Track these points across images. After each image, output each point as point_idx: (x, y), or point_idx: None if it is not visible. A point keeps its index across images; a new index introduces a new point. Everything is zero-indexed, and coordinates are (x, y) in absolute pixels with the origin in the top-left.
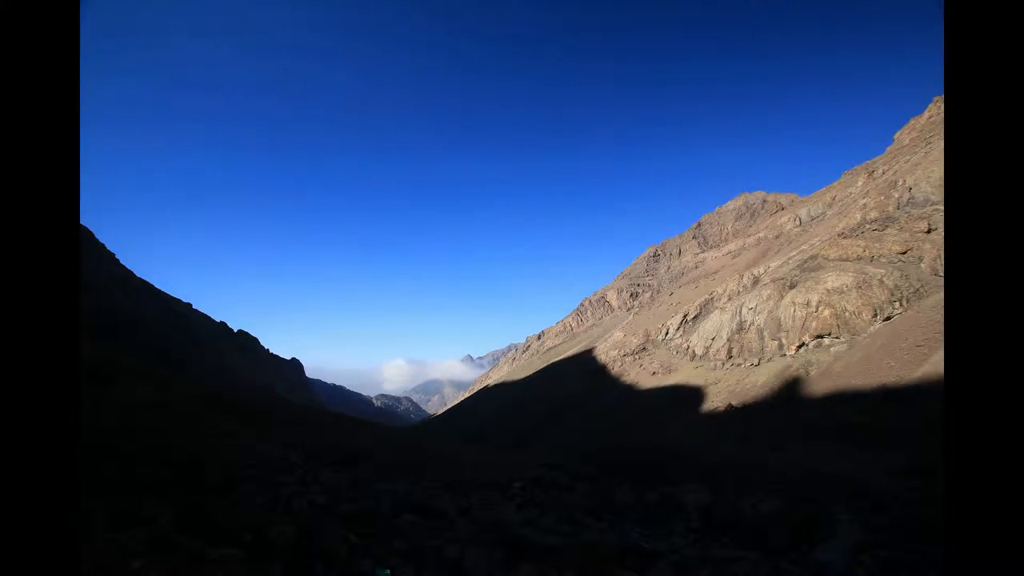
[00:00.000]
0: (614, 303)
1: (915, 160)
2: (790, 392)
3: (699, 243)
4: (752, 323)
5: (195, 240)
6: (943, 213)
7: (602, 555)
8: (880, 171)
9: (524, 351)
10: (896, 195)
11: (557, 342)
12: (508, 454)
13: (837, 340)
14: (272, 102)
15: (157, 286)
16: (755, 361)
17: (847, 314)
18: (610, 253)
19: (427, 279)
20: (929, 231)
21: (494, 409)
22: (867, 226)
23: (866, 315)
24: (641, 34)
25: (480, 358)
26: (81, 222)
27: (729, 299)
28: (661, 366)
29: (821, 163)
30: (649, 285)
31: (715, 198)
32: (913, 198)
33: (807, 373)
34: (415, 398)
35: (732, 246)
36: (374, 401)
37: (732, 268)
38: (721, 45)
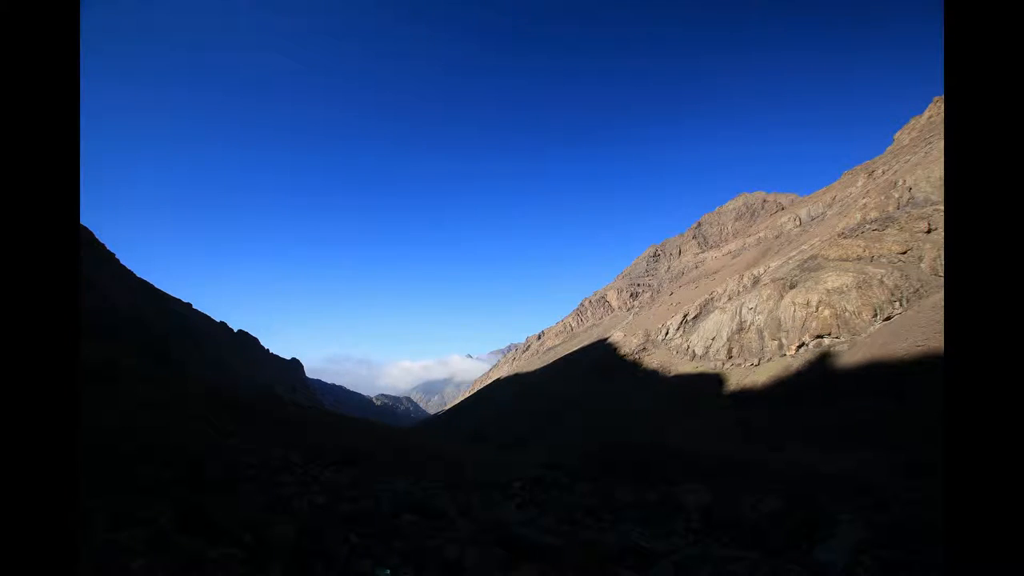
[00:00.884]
0: (614, 303)
1: (915, 160)
2: (790, 392)
3: (699, 243)
4: (752, 323)
5: (195, 240)
6: (943, 213)
7: (602, 555)
8: (880, 171)
9: (524, 351)
10: (896, 195)
11: (557, 342)
12: (508, 453)
13: (837, 340)
14: (272, 102)
15: (157, 286)
16: (755, 361)
17: (847, 314)
18: (610, 253)
19: (427, 279)
20: (929, 231)
21: (494, 409)
22: (867, 226)
23: (866, 315)
24: (641, 34)
25: (480, 358)
26: (81, 222)
27: (729, 299)
28: (661, 366)
29: (821, 163)
30: (649, 285)
31: (715, 198)
32: (913, 198)
33: (807, 373)
34: (415, 398)
35: (732, 246)
36: (374, 401)
37: (732, 268)
38: (721, 45)
